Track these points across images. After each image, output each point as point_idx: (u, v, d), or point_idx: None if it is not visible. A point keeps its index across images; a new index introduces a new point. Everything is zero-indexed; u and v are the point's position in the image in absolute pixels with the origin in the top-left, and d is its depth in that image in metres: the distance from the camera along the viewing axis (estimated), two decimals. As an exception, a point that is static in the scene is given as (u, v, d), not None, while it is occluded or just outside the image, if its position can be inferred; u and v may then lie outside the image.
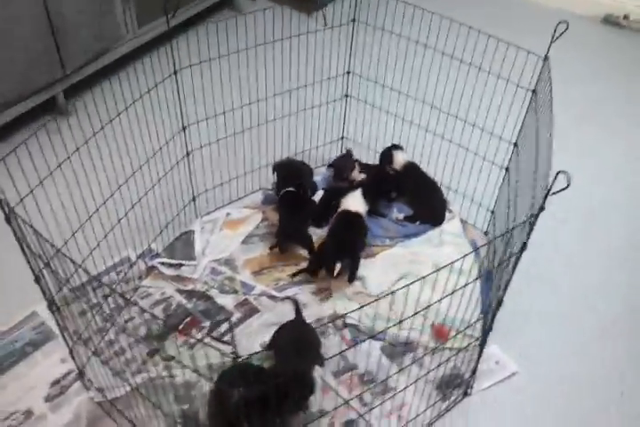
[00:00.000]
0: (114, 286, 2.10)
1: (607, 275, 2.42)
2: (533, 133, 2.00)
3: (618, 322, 2.26)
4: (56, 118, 1.63)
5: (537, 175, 1.75)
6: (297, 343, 1.92)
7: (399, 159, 2.60)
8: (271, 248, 2.35)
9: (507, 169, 2.36)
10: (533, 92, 2.09)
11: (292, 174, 2.49)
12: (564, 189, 1.32)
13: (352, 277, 2.26)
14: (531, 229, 1.47)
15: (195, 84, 2.13)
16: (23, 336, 2.00)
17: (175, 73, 2.04)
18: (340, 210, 2.39)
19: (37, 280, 1.48)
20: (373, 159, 2.71)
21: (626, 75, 3.48)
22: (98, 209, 1.86)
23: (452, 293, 1.56)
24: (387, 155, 2.62)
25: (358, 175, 2.60)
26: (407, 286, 1.41)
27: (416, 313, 1.47)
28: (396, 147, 2.64)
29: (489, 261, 2.24)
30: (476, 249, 2.44)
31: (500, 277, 1.65)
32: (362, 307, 1.45)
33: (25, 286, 1.71)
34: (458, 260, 1.47)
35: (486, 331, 1.85)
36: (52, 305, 1.55)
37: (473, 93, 2.35)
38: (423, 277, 1.44)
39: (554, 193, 1.35)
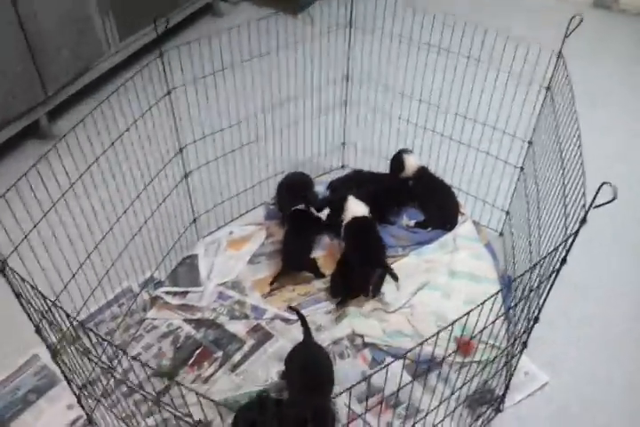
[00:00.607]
0: (120, 320, 1.97)
1: (637, 278, 2.30)
2: (552, 132, 1.89)
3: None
4: (55, 146, 1.48)
5: (565, 178, 1.64)
6: (307, 374, 1.77)
7: (411, 164, 2.46)
8: (271, 283, 2.19)
9: (521, 168, 2.25)
10: (547, 88, 1.97)
11: (294, 190, 2.37)
12: (609, 203, 1.19)
13: (377, 291, 2.14)
14: (572, 244, 1.35)
15: (189, 101, 2.00)
16: (25, 383, 1.86)
17: (169, 93, 1.90)
18: (347, 220, 2.25)
19: (38, 331, 1.35)
20: (377, 165, 2.59)
21: (623, 57, 3.37)
22: (97, 246, 1.73)
23: (493, 310, 1.42)
24: (398, 161, 2.47)
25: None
26: (464, 314, 1.28)
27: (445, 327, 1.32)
28: (405, 151, 2.49)
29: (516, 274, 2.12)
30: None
31: (538, 295, 1.53)
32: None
33: (22, 327, 1.56)
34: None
35: (521, 347, 1.73)
36: (55, 354, 1.42)
37: (482, 92, 2.22)
38: (480, 304, 1.29)
39: (597, 206, 1.22)
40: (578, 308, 2.17)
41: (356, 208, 2.25)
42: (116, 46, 2.93)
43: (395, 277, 2.17)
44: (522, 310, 1.57)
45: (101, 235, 1.77)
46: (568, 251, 1.38)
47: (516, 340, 1.70)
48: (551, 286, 1.50)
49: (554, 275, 1.44)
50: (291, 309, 2.05)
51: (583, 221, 1.29)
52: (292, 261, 2.20)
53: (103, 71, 2.90)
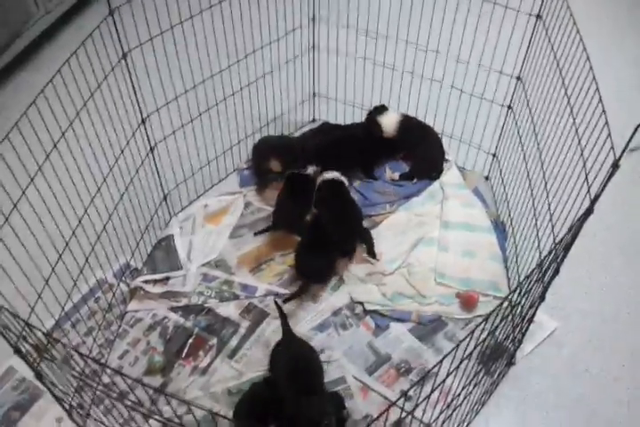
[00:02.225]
0: (99, 317, 1.79)
1: (633, 210, 2.20)
2: (546, 65, 1.73)
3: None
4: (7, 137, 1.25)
5: (575, 115, 1.49)
6: (295, 378, 1.62)
7: (389, 124, 2.25)
8: (256, 233, 2.07)
9: (509, 107, 2.09)
10: (538, 17, 1.79)
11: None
12: (645, 146, 1.05)
13: (373, 253, 2.01)
14: (601, 192, 1.20)
15: (147, 63, 1.76)
16: (4, 400, 1.67)
17: (124, 57, 1.64)
18: (321, 180, 2.10)
19: (17, 351, 1.18)
20: (352, 116, 2.40)
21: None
22: (67, 244, 1.53)
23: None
24: (373, 124, 2.26)
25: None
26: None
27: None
28: (379, 111, 2.27)
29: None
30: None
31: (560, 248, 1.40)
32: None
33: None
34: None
35: (538, 299, 1.62)
36: (39, 374, 1.25)
37: (465, 26, 2.01)
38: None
39: (633, 149, 1.07)
40: (576, 246, 2.08)
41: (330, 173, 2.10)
42: (45, 6, 2.60)
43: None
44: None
45: (68, 226, 1.56)
46: (595, 200, 1.24)
47: (522, 290, 1.60)
48: (574, 238, 1.37)
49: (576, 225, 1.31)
50: (278, 303, 1.91)
51: (616, 165, 1.14)
52: (285, 221, 2.04)
53: (36, 36, 2.60)
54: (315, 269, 1.94)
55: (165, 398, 1.50)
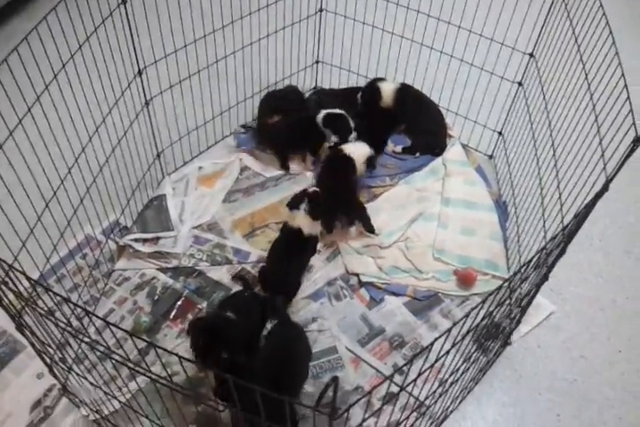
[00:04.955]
0: (85, 274, 1.71)
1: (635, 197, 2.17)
2: (562, 42, 1.67)
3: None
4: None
5: (592, 91, 1.44)
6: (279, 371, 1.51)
7: (387, 91, 2.21)
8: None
9: (519, 84, 2.03)
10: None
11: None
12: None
13: (371, 228, 1.94)
14: (619, 169, 1.15)
15: (148, 14, 1.67)
16: (-19, 353, 1.61)
17: (124, 2, 1.56)
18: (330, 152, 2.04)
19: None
20: (356, 84, 2.33)
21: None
22: (55, 193, 1.46)
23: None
24: (372, 90, 2.22)
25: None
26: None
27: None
28: (378, 80, 2.25)
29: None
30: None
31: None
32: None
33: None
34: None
35: (540, 281, 1.57)
36: (20, 325, 1.18)
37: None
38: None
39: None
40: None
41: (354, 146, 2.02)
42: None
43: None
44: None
45: (58, 175, 1.48)
46: (612, 178, 1.19)
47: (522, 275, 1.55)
48: (585, 217, 1.32)
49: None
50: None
51: (638, 141, 1.09)
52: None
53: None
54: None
55: (143, 360, 1.42)
